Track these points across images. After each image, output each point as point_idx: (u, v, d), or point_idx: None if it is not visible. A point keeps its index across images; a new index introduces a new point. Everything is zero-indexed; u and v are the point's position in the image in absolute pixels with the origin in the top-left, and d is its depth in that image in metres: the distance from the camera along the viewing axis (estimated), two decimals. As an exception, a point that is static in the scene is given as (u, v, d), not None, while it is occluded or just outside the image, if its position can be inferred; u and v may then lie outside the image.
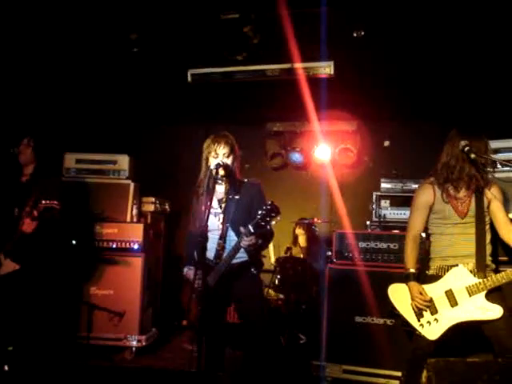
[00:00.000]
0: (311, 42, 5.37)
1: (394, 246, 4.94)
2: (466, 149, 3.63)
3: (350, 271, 5.02)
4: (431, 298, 3.71)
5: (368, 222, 5.79)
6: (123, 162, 6.36)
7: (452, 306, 3.65)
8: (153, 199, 6.65)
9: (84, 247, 5.87)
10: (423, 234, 3.98)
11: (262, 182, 4.14)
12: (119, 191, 6.27)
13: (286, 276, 6.18)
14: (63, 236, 5.30)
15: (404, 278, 3.84)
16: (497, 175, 4.23)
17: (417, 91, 6.29)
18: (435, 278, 3.77)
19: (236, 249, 3.74)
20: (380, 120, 7.27)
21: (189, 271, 3.96)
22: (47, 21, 5.32)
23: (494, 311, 3.54)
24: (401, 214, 5.71)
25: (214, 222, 3.92)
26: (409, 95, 6.38)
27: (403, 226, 4.53)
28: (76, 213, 5.78)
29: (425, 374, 3.05)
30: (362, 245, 5.08)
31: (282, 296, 6.34)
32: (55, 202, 4.58)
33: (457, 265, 3.68)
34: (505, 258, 4.29)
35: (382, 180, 6.00)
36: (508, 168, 4.52)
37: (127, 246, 5.93)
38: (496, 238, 3.79)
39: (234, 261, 3.81)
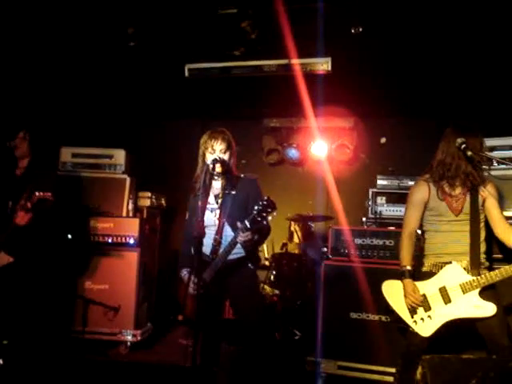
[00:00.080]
0: (309, 38, 5.36)
1: (390, 242, 4.95)
2: (463, 146, 3.63)
3: (345, 267, 5.02)
4: (425, 295, 3.73)
5: (364, 219, 5.79)
6: (119, 156, 6.34)
7: (445, 303, 3.67)
8: (149, 194, 6.65)
9: (79, 241, 5.85)
10: (419, 231, 3.99)
11: (259, 178, 4.14)
12: (115, 186, 6.26)
13: (282, 272, 6.18)
14: (58, 230, 5.28)
15: (399, 275, 3.85)
16: (493, 173, 4.24)
17: (414, 88, 6.29)
18: (429, 274, 3.78)
19: (232, 244, 3.75)
20: (377, 117, 7.28)
21: (186, 274, 3.95)
22: (44, 15, 5.30)
23: (488, 309, 3.55)
24: (397, 210, 5.72)
25: (211, 218, 3.92)
26: (406, 92, 6.39)
27: (399, 222, 4.53)
28: (72, 207, 5.77)
29: (419, 370, 3.05)
30: (358, 241, 5.08)
31: (277, 292, 6.34)
32: (49, 194, 4.57)
33: (451, 262, 3.69)
34: (499, 256, 4.30)
35: (379, 177, 6.00)
36: (504, 166, 4.52)
37: (123, 240, 5.92)
38: (491, 236, 3.80)
39: (231, 256, 3.82)
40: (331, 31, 5.23)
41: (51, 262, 5.06)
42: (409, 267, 3.80)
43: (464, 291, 3.61)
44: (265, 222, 3.58)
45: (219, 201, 3.93)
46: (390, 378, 4.46)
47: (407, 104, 6.70)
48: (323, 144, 7.23)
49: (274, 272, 6.22)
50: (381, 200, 5.86)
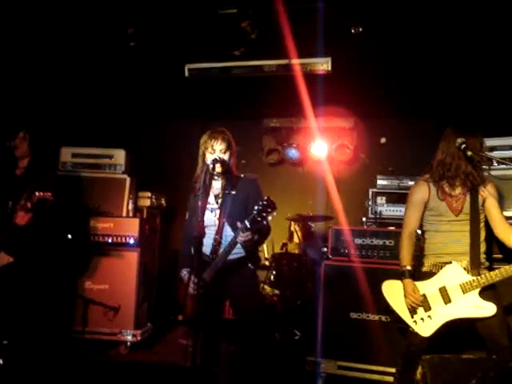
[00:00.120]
0: (309, 38, 5.37)
1: (390, 242, 4.94)
2: (463, 146, 3.63)
3: (345, 267, 5.02)
4: (424, 295, 3.73)
5: (364, 219, 5.79)
6: (119, 156, 6.34)
7: (445, 303, 3.66)
8: (149, 194, 6.65)
9: (79, 241, 5.85)
10: (419, 231, 3.99)
11: (259, 178, 4.13)
12: (115, 186, 6.26)
13: (282, 272, 6.18)
14: (58, 229, 5.28)
15: (399, 275, 3.85)
16: (493, 173, 4.24)
17: (414, 89, 6.29)
18: (429, 274, 3.78)
19: (232, 244, 3.75)
20: (377, 117, 7.27)
21: (186, 274, 3.94)
22: (44, 15, 5.30)
23: (488, 309, 3.55)
24: (397, 210, 5.72)
25: (211, 218, 3.92)
26: (406, 92, 6.39)
27: (399, 222, 4.53)
28: (72, 207, 5.77)
29: (419, 370, 3.05)
30: (358, 241, 5.08)
31: (277, 292, 6.34)
32: (49, 194, 4.57)
33: (451, 262, 3.69)
34: (499, 256, 4.30)
35: (378, 177, 6.00)
36: (504, 166, 4.52)
37: (123, 240, 5.92)
38: (491, 236, 3.80)
39: (231, 256, 3.82)
40: (331, 31, 5.23)
41: (51, 261, 5.07)
42: (409, 267, 3.80)
43: (464, 291, 3.61)
44: (265, 222, 3.57)
45: (219, 201, 3.93)
46: (390, 378, 4.46)
47: (407, 104, 6.71)
48: (323, 144, 7.23)
49: (274, 272, 6.22)
50: (381, 200, 5.86)
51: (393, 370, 4.13)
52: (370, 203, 5.88)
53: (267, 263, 6.52)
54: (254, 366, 3.96)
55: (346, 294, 4.93)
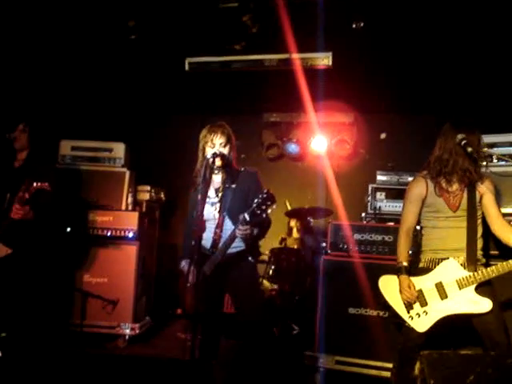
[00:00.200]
0: (310, 33, 5.37)
1: (389, 238, 4.94)
2: (463, 142, 3.62)
3: (344, 263, 5.02)
4: (421, 290, 3.72)
5: (363, 214, 5.79)
6: (119, 149, 6.34)
7: (442, 299, 3.66)
8: (148, 188, 6.64)
9: (78, 235, 5.86)
10: (418, 228, 3.99)
11: (259, 172, 4.14)
12: (115, 179, 6.26)
13: (281, 266, 6.18)
14: (57, 222, 5.27)
15: (396, 271, 3.84)
16: (493, 169, 4.25)
17: (415, 84, 6.29)
18: (426, 270, 3.78)
19: (232, 238, 3.74)
20: (377, 112, 7.26)
21: (185, 265, 3.94)
22: (44, 8, 5.29)
23: (484, 305, 3.54)
24: (396, 206, 5.71)
25: (211, 212, 3.92)
26: (407, 88, 6.38)
27: (398, 218, 4.51)
28: (71, 200, 5.77)
29: (418, 365, 3.06)
30: (357, 236, 5.08)
31: (275, 286, 6.35)
32: (46, 184, 4.57)
33: (448, 258, 3.69)
34: (495, 252, 4.30)
35: (378, 172, 6.00)
36: (504, 162, 4.52)
37: (122, 234, 5.92)
38: (488, 232, 3.80)
39: (231, 250, 3.81)
40: (332, 26, 5.23)
41: (50, 254, 5.07)
42: (405, 263, 3.80)
43: (460, 287, 3.61)
44: (265, 215, 3.57)
45: (219, 194, 3.94)
46: (388, 374, 4.46)
47: (407, 99, 6.70)
48: (323, 139, 7.21)
49: (273, 267, 6.21)
50: (380, 195, 5.86)
51: (390, 366, 4.14)
52: (369, 199, 5.88)
53: (266, 257, 6.52)
54: (252, 360, 3.96)
55: (344, 289, 4.93)
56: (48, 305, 5.28)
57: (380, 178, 5.95)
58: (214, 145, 3.91)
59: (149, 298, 6.49)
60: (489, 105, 6.17)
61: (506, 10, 4.85)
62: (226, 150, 3.92)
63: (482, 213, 3.76)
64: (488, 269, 3.56)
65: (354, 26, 5.30)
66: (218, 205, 3.92)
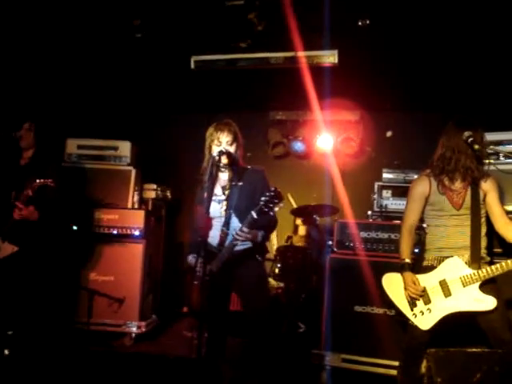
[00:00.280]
0: (315, 31, 5.35)
1: (395, 236, 4.93)
2: (470, 140, 3.62)
3: (350, 261, 5.02)
4: (425, 288, 3.72)
5: (369, 212, 5.77)
6: (125, 148, 6.36)
7: (445, 297, 3.66)
8: (154, 186, 6.65)
9: (85, 233, 5.87)
10: (424, 225, 3.98)
11: (265, 170, 4.14)
12: (121, 177, 6.28)
13: (287, 265, 6.17)
14: (63, 220, 5.28)
15: (399, 268, 3.85)
16: (499, 167, 4.23)
17: (421, 82, 6.26)
18: (430, 268, 3.78)
19: (234, 243, 3.76)
20: (383, 110, 7.24)
21: (192, 259, 3.95)
22: (50, 6, 5.29)
23: (488, 302, 3.54)
24: (402, 204, 5.65)
25: (218, 209, 3.93)
26: (413, 86, 6.36)
27: (404, 216, 4.52)
28: (77, 198, 5.78)
29: (424, 363, 3.06)
30: (363, 234, 5.08)
31: (282, 285, 6.35)
32: (49, 180, 4.59)
33: (452, 256, 3.68)
34: (499, 250, 4.29)
35: (384, 170, 5.98)
36: (510, 160, 4.51)
37: (128, 232, 5.94)
38: (492, 231, 3.80)
39: (238, 247, 3.82)
40: (338, 24, 5.21)
41: (56, 252, 5.08)
42: (408, 260, 3.81)
43: (464, 284, 3.61)
44: (271, 213, 3.57)
45: (226, 192, 3.94)
46: (395, 372, 4.46)
47: (414, 97, 6.68)
48: (329, 137, 7.20)
49: (279, 265, 6.21)
50: (386, 193, 5.84)
51: (397, 364, 4.13)
52: (375, 197, 5.87)
53: (272, 256, 6.52)
54: (258, 358, 3.96)
55: (350, 287, 4.93)
56: (54, 303, 5.29)
57: (386, 175, 5.94)
58: (221, 143, 3.91)
59: (155, 296, 6.50)
60: (495, 102, 6.15)
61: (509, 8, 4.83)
62: (232, 148, 3.93)
63: (486, 211, 3.76)
64: (492, 267, 3.56)
65: (359, 23, 5.28)
66: (224, 202, 3.92)
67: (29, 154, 5.08)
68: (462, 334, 4.02)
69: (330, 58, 5.80)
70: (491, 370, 2.84)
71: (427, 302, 3.71)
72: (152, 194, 6.63)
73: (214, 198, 3.92)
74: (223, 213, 3.91)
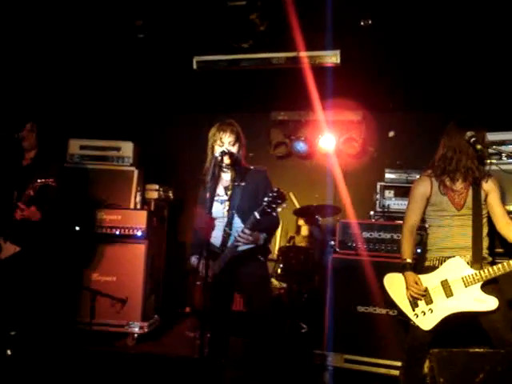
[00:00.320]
0: (318, 31, 5.35)
1: (398, 236, 4.92)
2: (473, 139, 3.62)
3: (353, 261, 5.02)
4: (426, 288, 3.71)
5: (372, 212, 5.77)
6: (127, 148, 6.37)
7: (447, 297, 3.65)
8: (157, 186, 6.65)
9: (87, 233, 5.87)
10: (426, 225, 3.98)
11: (267, 170, 4.14)
12: (123, 178, 6.29)
13: (289, 265, 6.16)
14: (65, 220, 5.28)
15: (400, 268, 3.84)
16: (502, 167, 4.24)
17: (423, 82, 6.26)
18: (431, 268, 3.77)
19: (235, 244, 3.76)
20: (385, 110, 7.24)
21: (195, 260, 3.95)
22: (53, 7, 5.30)
23: (490, 303, 3.53)
24: (405, 204, 5.57)
25: (220, 210, 3.93)
26: (415, 86, 6.35)
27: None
28: (79, 199, 5.78)
29: (427, 364, 3.05)
30: (366, 235, 5.08)
31: (284, 285, 6.35)
32: (50, 180, 4.60)
33: (454, 256, 3.68)
34: (501, 250, 4.29)
35: (387, 170, 5.98)
36: (513, 160, 4.52)
37: (131, 232, 5.94)
38: (494, 231, 3.79)
39: (241, 248, 3.81)
40: (340, 24, 5.21)
41: (58, 252, 5.08)
42: (409, 260, 3.80)
43: (466, 285, 3.60)
44: (274, 214, 3.57)
45: (229, 192, 3.94)
46: (397, 372, 4.45)
47: (416, 97, 6.67)
48: (331, 137, 7.20)
49: (281, 265, 6.21)
50: (389, 193, 5.84)
51: (399, 364, 4.13)
52: (377, 197, 5.86)
53: (275, 256, 6.52)
54: (261, 358, 3.96)
55: (353, 287, 4.93)
56: (57, 303, 5.30)
57: (388, 175, 5.94)
58: (223, 143, 3.91)
59: (157, 297, 6.50)
60: (498, 102, 6.14)
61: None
62: (234, 149, 3.93)
63: (488, 211, 3.76)
64: (494, 267, 3.55)
65: (362, 23, 5.29)
66: (226, 203, 3.92)
67: (31, 155, 5.08)
68: (464, 334, 4.01)
69: (332, 58, 5.80)
70: (494, 371, 2.84)
71: (429, 302, 3.70)
72: (154, 195, 6.63)
73: (216, 198, 3.92)
74: (226, 213, 3.91)
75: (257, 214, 3.53)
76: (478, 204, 3.69)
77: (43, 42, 5.82)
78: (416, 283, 3.71)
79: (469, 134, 3.64)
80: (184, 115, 7.81)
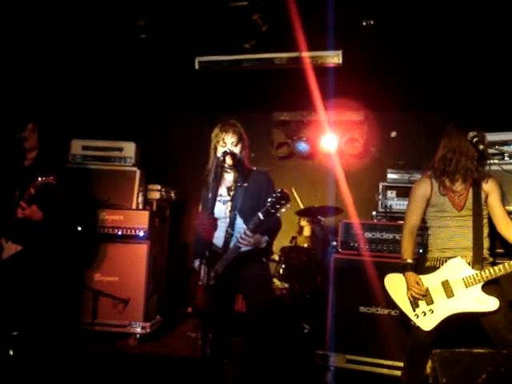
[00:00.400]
0: (320, 31, 5.34)
1: (400, 236, 4.86)
2: (475, 140, 3.62)
3: (355, 261, 5.01)
4: (427, 289, 3.71)
5: (374, 213, 5.76)
6: (129, 149, 6.37)
7: (448, 297, 3.65)
8: (159, 187, 6.65)
9: (89, 234, 5.88)
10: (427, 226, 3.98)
11: (269, 171, 4.13)
12: (125, 178, 6.29)
13: (291, 265, 6.17)
14: (68, 220, 5.28)
15: (401, 268, 3.84)
16: (504, 167, 4.24)
17: (426, 82, 6.26)
18: (432, 269, 3.77)
19: (236, 248, 3.76)
20: (387, 110, 7.24)
21: (199, 264, 3.94)
22: (55, 7, 5.30)
23: (491, 303, 3.53)
24: (407, 204, 5.69)
25: (223, 210, 3.93)
26: (417, 86, 6.35)
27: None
28: (82, 199, 5.78)
29: (429, 364, 3.06)
30: (368, 235, 5.07)
31: (286, 285, 6.35)
32: (51, 178, 4.60)
33: (455, 257, 3.68)
34: (501, 251, 4.28)
35: (389, 170, 5.96)
36: (515, 160, 4.52)
37: (133, 233, 5.94)
38: (494, 231, 3.79)
39: (244, 249, 3.80)
40: (342, 24, 5.21)
41: (60, 253, 5.08)
42: (410, 260, 3.80)
43: (467, 285, 3.60)
44: (278, 215, 3.57)
45: (231, 193, 3.94)
46: (399, 373, 4.44)
47: (418, 97, 6.67)
48: (333, 137, 7.20)
49: (284, 265, 6.21)
50: (391, 194, 5.83)
51: (401, 364, 4.12)
52: (380, 197, 5.85)
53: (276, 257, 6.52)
54: (263, 358, 3.96)
55: (355, 287, 4.92)
56: (59, 303, 5.30)
57: (391, 176, 5.92)
58: (226, 144, 3.91)
59: (159, 297, 6.51)
60: (500, 102, 6.14)
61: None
62: (237, 149, 3.93)
63: (488, 212, 3.75)
64: (495, 267, 3.55)
65: (364, 23, 5.28)
66: (229, 203, 3.92)
67: (32, 155, 5.09)
68: (465, 334, 4.01)
69: (334, 58, 5.80)
70: (497, 371, 2.84)
71: (430, 302, 3.70)
72: (156, 195, 6.63)
73: (219, 198, 3.91)
74: (228, 214, 3.91)
75: (260, 215, 3.52)
76: (479, 205, 3.69)
77: (45, 42, 5.82)
78: (417, 284, 3.71)
79: (471, 134, 3.64)
80: (186, 115, 7.83)
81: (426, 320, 3.68)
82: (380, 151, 7.36)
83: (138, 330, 5.78)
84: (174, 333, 6.32)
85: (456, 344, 3.45)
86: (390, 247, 4.98)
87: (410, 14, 5.16)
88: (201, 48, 6.00)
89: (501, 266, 3.52)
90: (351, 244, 5.10)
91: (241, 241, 3.69)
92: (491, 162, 3.83)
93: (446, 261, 3.71)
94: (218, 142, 3.94)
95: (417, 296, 3.71)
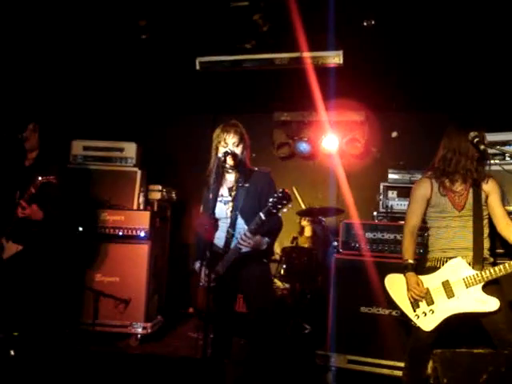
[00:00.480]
0: (320, 31, 5.35)
1: (401, 236, 4.82)
2: (476, 140, 3.62)
3: (356, 261, 5.01)
4: (428, 289, 3.72)
5: (375, 213, 5.76)
6: (130, 149, 6.37)
7: (448, 298, 3.65)
8: (160, 187, 6.65)
9: (90, 234, 5.88)
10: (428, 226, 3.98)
11: (271, 172, 4.13)
12: (126, 179, 6.29)
13: (292, 266, 6.17)
14: (68, 221, 5.28)
15: (402, 269, 3.84)
16: (505, 167, 4.23)
17: (426, 82, 6.26)
18: (433, 269, 3.78)
19: (236, 249, 3.76)
20: (388, 111, 7.24)
21: (199, 266, 3.94)
22: (56, 7, 5.30)
23: (491, 304, 3.53)
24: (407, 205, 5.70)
25: (224, 210, 3.93)
26: (418, 86, 6.36)
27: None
28: (83, 199, 5.79)
29: (431, 364, 3.06)
30: (369, 235, 5.07)
31: (287, 286, 6.35)
32: (52, 177, 4.61)
33: (455, 257, 3.68)
34: (502, 251, 4.27)
35: (390, 171, 5.97)
36: (516, 160, 4.52)
37: (134, 233, 5.93)
38: (495, 232, 3.79)
39: (244, 250, 3.80)
40: (343, 24, 5.21)
41: (61, 253, 5.08)
42: (411, 261, 3.80)
43: (467, 285, 3.60)
44: (280, 215, 3.57)
45: (232, 193, 3.94)
46: (400, 373, 4.44)
47: (419, 98, 6.67)
48: (334, 138, 7.20)
49: (284, 266, 6.21)
50: (392, 194, 5.83)
51: (403, 365, 4.12)
52: (381, 197, 5.85)
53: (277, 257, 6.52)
54: (264, 359, 3.96)
55: (356, 288, 4.92)
56: (60, 304, 5.30)
57: (391, 176, 5.93)
58: (227, 144, 3.91)
59: (160, 297, 6.50)
60: (501, 102, 6.14)
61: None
62: (238, 150, 3.93)
63: (488, 213, 3.76)
64: (495, 268, 3.56)
65: (364, 23, 5.28)
66: (230, 204, 3.92)
67: (33, 155, 5.09)
68: (467, 334, 4.01)
69: (335, 58, 5.80)
70: (497, 371, 2.84)
71: (430, 303, 3.70)
72: (157, 195, 6.63)
73: (220, 198, 3.92)
74: (229, 214, 3.91)
75: (262, 215, 3.52)
76: (479, 205, 3.70)
77: (46, 42, 5.83)
78: (418, 285, 3.71)
79: (472, 134, 3.64)
80: (187, 116, 7.83)
81: (427, 320, 3.68)
82: (381, 151, 7.36)
83: (139, 330, 5.78)
84: (175, 333, 6.32)
85: (457, 344, 3.46)
86: (391, 247, 4.98)
87: (410, 15, 5.16)
88: (202, 48, 6.00)
89: (501, 267, 3.52)
90: (352, 244, 5.09)
91: (241, 242, 3.69)
92: (492, 162, 3.83)
93: (446, 261, 3.72)
94: (219, 142, 3.94)
95: (417, 297, 3.71)
